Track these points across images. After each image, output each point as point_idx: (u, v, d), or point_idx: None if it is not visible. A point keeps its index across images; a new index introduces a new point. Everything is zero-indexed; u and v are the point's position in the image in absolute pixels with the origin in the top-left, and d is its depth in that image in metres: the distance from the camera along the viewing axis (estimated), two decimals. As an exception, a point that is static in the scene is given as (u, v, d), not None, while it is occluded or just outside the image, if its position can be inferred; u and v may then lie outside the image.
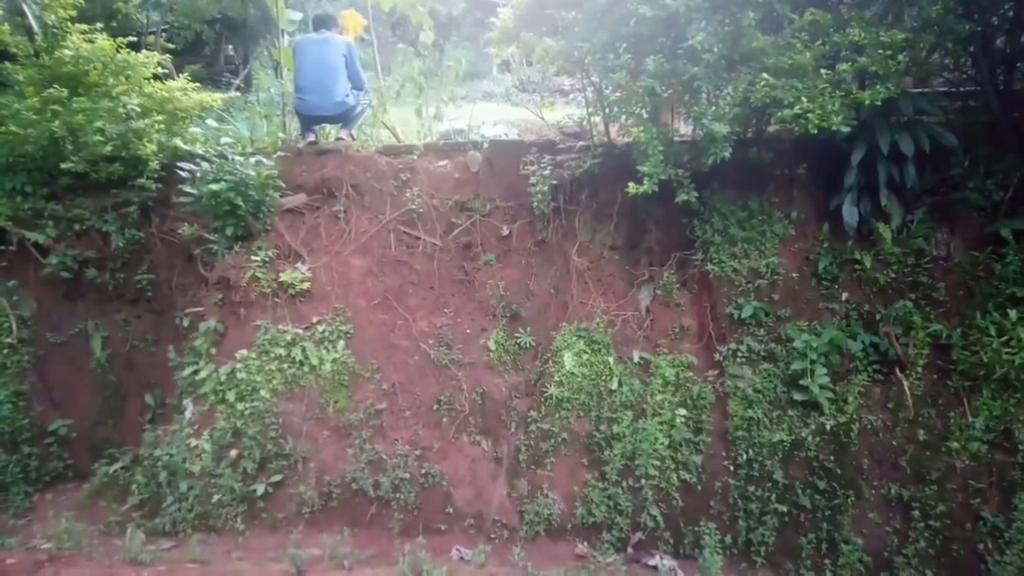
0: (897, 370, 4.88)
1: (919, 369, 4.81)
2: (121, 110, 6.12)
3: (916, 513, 4.54)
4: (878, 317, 5.01)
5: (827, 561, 4.60)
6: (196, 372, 5.57)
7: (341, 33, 7.11)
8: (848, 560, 4.55)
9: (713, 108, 4.85)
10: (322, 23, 6.86)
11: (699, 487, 5.00)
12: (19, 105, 5.99)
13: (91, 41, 6.24)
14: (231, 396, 5.39)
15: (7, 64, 6.29)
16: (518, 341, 5.82)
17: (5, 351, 6.11)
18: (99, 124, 6.00)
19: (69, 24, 6.38)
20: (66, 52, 6.08)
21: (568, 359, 5.43)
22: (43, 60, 6.22)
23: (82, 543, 4.82)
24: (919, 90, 5.40)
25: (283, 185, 6.10)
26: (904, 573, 4.47)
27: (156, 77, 6.57)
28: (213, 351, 5.66)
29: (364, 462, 5.29)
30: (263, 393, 5.42)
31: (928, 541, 4.48)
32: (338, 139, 6.77)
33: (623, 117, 5.60)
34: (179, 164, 5.95)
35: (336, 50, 6.57)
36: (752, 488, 4.85)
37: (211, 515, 5.14)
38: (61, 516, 5.09)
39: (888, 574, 4.52)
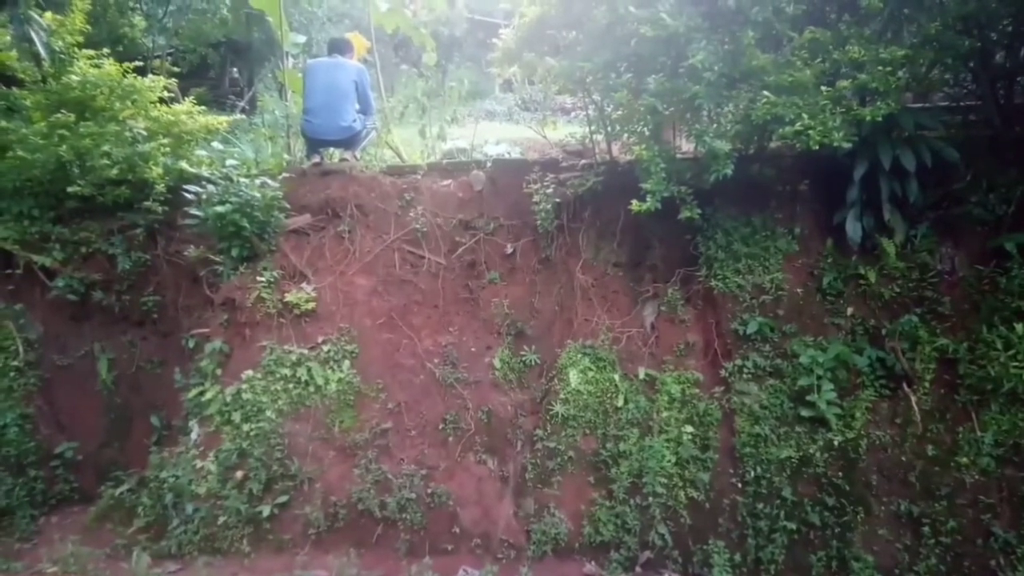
0: (904, 385, 4.86)
1: (926, 384, 4.80)
2: (127, 134, 6.20)
3: (926, 529, 4.50)
4: (884, 332, 5.00)
5: (837, 579, 4.57)
6: (202, 393, 5.57)
7: (354, 59, 7.18)
8: (859, 577, 4.51)
9: (715, 126, 4.90)
10: (336, 48, 6.93)
11: (707, 505, 4.96)
12: (26, 130, 6.06)
13: (98, 66, 6.33)
14: (237, 417, 5.39)
15: (15, 90, 6.39)
16: (523, 359, 5.82)
17: (12, 374, 6.10)
18: (106, 148, 6.07)
19: (76, 50, 6.49)
20: (73, 77, 6.17)
21: (573, 376, 5.42)
22: (50, 85, 6.31)
23: (88, 567, 4.80)
24: (920, 105, 5.44)
25: (288, 206, 6.14)
26: (916, 591, 4.43)
27: (162, 100, 6.65)
28: (219, 372, 5.66)
29: (370, 482, 5.27)
30: (269, 414, 5.41)
31: (939, 558, 4.43)
32: (342, 160, 6.83)
33: (625, 135, 5.64)
34: (185, 186, 6.00)
35: (347, 75, 6.63)
36: (760, 505, 4.82)
37: (217, 537, 5.11)
38: (67, 539, 5.09)
39: (899, 592, 4.49)
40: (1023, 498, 4.33)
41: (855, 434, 4.73)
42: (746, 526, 4.84)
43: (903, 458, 4.70)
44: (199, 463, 5.31)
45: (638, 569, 4.88)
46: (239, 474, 5.26)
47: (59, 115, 6.00)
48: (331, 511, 5.20)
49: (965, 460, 4.52)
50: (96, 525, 5.52)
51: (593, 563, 4.95)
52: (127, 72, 6.43)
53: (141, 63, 7.21)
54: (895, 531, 4.62)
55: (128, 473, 5.95)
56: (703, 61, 4.55)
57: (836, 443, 4.76)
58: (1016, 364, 4.48)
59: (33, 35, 6.48)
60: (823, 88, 4.56)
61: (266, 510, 5.15)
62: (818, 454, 4.78)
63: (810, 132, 4.44)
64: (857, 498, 4.68)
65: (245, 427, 5.36)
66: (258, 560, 5.04)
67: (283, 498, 5.22)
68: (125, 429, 6.36)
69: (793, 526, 4.71)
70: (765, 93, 4.54)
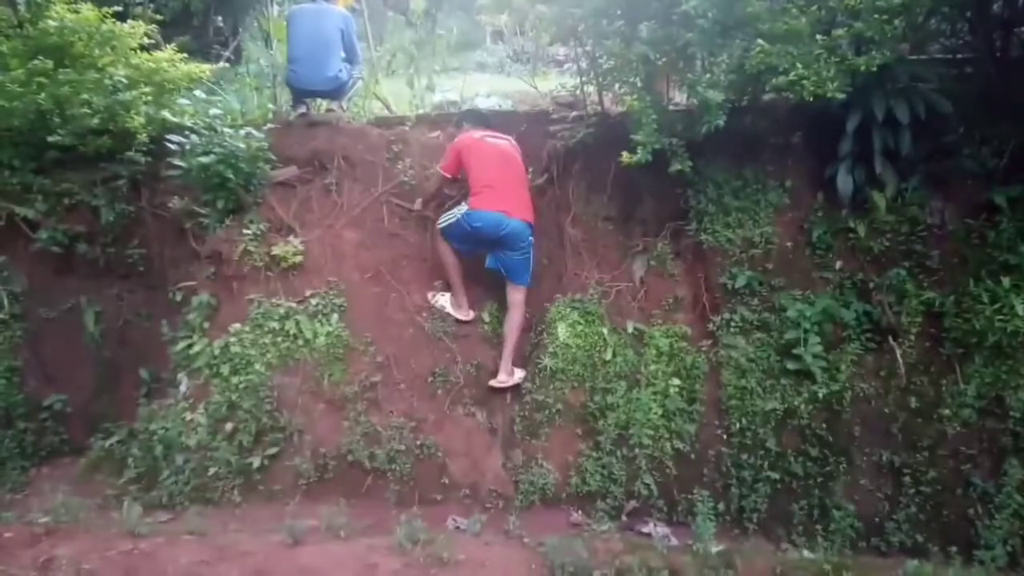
0: (890, 338, 4.89)
1: (912, 337, 4.83)
2: (108, 82, 6.00)
3: (907, 479, 4.58)
4: (871, 286, 5.01)
5: (818, 527, 4.65)
6: (190, 346, 5.54)
7: (340, 6, 6.95)
8: (839, 526, 4.59)
9: (708, 75, 4.79)
10: None
11: (692, 456, 5.03)
12: (3, 77, 5.89)
13: (75, 11, 6.12)
14: (225, 370, 5.37)
15: (-9, 36, 6.18)
16: (512, 313, 5.80)
17: (-2, 327, 6.07)
18: (85, 96, 5.88)
19: (53, -6, 6.26)
20: (50, 23, 5.96)
21: (562, 330, 5.43)
22: (27, 31, 6.10)
23: (79, 516, 4.81)
24: (915, 56, 5.35)
25: (274, 158, 6.03)
26: (895, 538, 4.53)
27: (143, 48, 6.45)
28: (206, 325, 5.63)
29: (359, 434, 5.30)
30: (257, 367, 5.40)
31: (919, 507, 4.53)
32: (329, 111, 6.68)
33: (617, 86, 5.53)
34: (168, 137, 5.86)
35: (333, 23, 6.42)
36: (745, 456, 4.89)
37: (208, 488, 5.15)
38: (58, 490, 5.09)
39: (879, 539, 4.58)
40: (1002, 449, 4.40)
41: (840, 386, 4.78)
42: (730, 476, 4.91)
43: (886, 410, 4.76)
44: (188, 415, 5.31)
45: (624, 518, 4.96)
46: (229, 426, 5.27)
47: (37, 62, 5.81)
48: (321, 462, 5.24)
49: (947, 412, 4.58)
50: (87, 476, 5.55)
51: (580, 512, 5.02)
52: (106, 18, 6.23)
53: (121, 9, 6.98)
54: (876, 481, 4.70)
55: (118, 425, 5.95)
56: (696, 7, 4.44)
57: (821, 395, 4.80)
58: (1001, 317, 4.51)
59: (7, -21, 6.27)
60: (818, 37, 4.47)
61: (256, 461, 5.18)
62: (803, 406, 4.83)
63: (804, 82, 4.37)
64: (840, 449, 4.75)
65: (234, 380, 5.35)
66: (249, 510, 5.09)
67: (273, 450, 5.24)
68: (114, 382, 6.33)
69: (776, 476, 4.79)
70: (759, 42, 4.45)
